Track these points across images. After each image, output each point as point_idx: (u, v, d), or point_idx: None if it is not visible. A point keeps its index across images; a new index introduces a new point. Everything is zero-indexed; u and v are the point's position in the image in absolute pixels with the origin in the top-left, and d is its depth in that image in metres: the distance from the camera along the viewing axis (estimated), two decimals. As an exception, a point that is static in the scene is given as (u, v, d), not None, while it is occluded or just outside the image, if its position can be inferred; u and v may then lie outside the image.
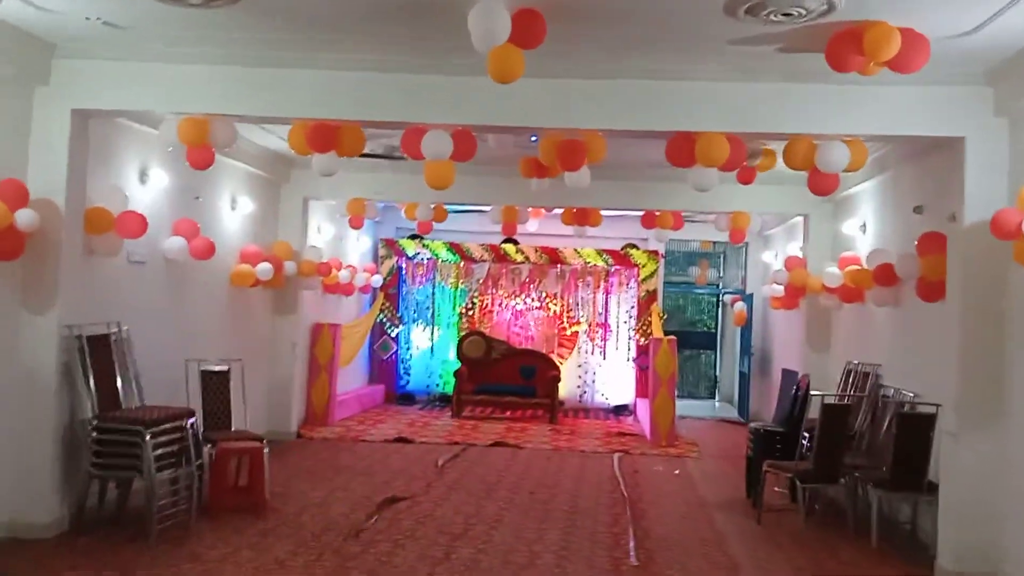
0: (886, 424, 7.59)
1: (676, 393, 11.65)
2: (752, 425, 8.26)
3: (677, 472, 9.79)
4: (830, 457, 6.98)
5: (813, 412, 7.51)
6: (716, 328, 18.55)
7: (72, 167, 6.24)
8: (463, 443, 11.01)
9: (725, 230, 10.81)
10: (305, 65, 6.14)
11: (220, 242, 9.08)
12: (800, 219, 11.94)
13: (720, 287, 17.26)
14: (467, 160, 6.31)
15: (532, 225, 12.79)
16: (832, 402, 7.27)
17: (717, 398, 17.71)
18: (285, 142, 9.43)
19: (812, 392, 7.88)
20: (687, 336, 17.16)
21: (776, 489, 8.29)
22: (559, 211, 13.27)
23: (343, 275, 12.57)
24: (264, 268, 9.70)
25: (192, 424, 7.00)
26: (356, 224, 11.17)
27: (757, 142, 7.26)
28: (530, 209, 11.26)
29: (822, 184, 6.14)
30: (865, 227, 9.17)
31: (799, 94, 5.96)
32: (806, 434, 7.69)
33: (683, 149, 5.98)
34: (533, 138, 8.60)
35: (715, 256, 17.17)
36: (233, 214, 9.63)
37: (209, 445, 7.49)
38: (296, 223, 10.92)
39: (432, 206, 10.98)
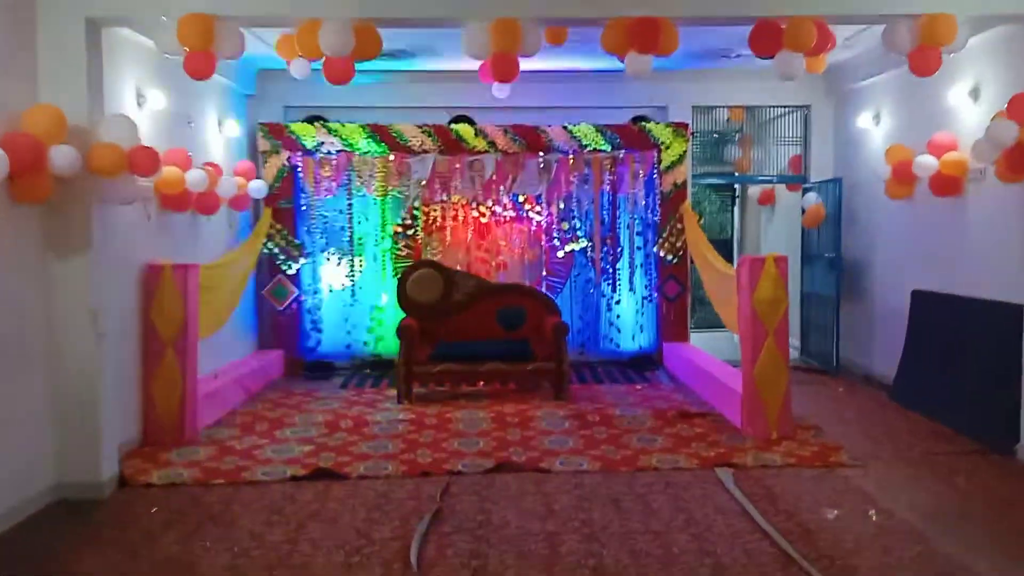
0: None
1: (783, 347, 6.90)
2: None
3: (873, 516, 5.07)
4: None
5: None
6: (731, 232, 13.94)
7: None
8: (436, 473, 6.00)
9: (900, 52, 5.85)
10: None
11: None
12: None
13: (735, 175, 12.09)
14: None
15: (501, 91, 7.67)
16: None
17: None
18: None
19: None
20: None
21: None
22: (550, 67, 8.18)
23: (194, 179, 7.20)
24: (-20, 154, 4.29)
25: None
26: (198, 70, 5.63)
27: None
28: (542, 30, 5.92)
29: None
30: None
31: None
32: None
33: None
34: None
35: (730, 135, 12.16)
36: None
37: None
38: (74, 71, 5.39)
39: (351, 23, 5.55)
